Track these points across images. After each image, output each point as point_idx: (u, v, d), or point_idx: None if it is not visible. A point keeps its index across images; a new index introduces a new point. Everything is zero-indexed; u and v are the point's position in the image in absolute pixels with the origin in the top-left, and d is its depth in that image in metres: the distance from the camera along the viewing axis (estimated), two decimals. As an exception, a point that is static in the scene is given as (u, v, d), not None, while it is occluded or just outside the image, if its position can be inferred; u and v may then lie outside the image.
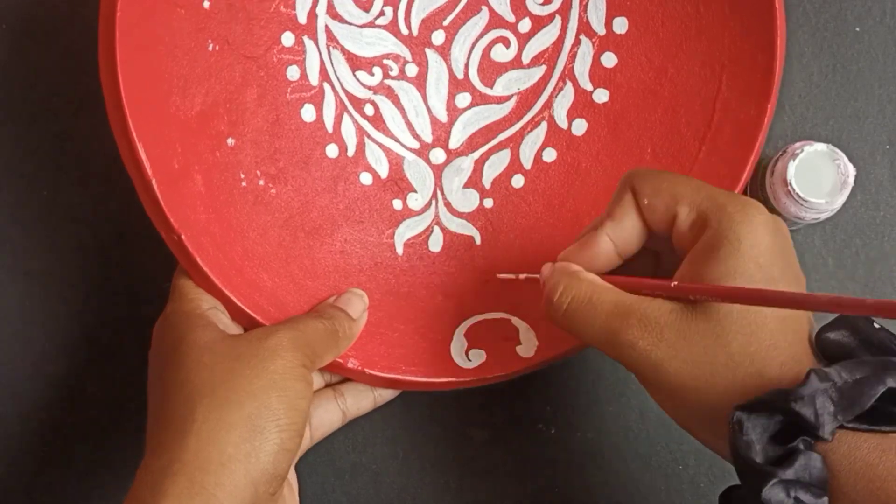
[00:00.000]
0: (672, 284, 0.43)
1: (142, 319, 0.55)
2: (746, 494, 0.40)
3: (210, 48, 0.51)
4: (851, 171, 0.52)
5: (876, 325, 0.41)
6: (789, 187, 0.52)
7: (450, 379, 0.52)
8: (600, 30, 0.55)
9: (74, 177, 0.58)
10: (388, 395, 0.53)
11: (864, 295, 0.56)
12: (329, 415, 0.51)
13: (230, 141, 0.51)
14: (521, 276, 0.52)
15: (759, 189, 0.54)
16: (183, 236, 0.48)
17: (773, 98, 0.51)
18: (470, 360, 0.52)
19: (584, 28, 0.55)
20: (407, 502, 0.56)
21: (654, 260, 0.47)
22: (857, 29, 0.57)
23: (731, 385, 0.41)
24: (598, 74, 0.55)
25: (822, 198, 0.52)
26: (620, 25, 0.55)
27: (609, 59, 0.55)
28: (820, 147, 0.52)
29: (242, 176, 0.51)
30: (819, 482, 0.39)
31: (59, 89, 0.58)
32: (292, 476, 0.50)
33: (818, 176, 0.52)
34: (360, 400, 0.52)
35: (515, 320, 0.53)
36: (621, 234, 0.45)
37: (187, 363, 0.45)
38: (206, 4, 0.51)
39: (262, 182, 0.52)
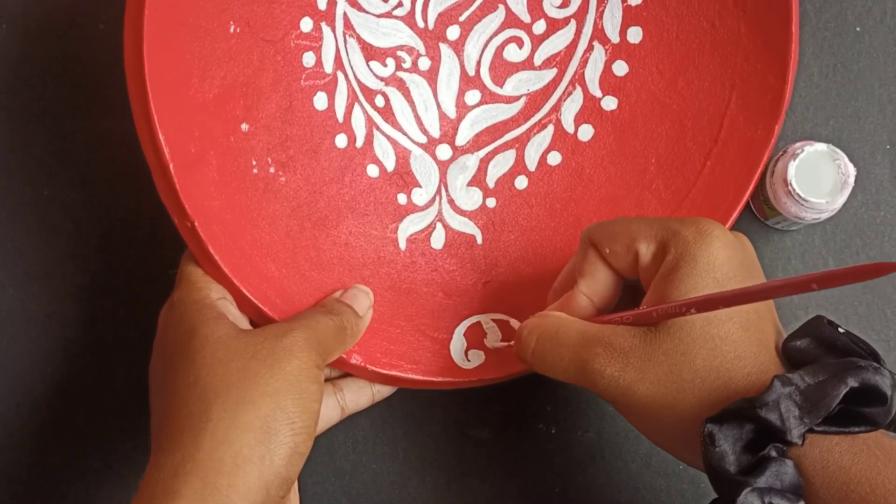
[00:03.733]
0: (632, 312, 0.44)
1: (142, 319, 0.55)
2: None
3: (231, 30, 0.50)
4: (852, 171, 0.52)
5: (840, 330, 0.42)
6: (790, 187, 0.52)
7: (449, 378, 0.52)
8: (614, 37, 0.55)
9: (74, 177, 0.58)
10: (386, 391, 0.53)
11: (864, 295, 0.56)
12: (328, 410, 0.51)
13: (244, 126, 0.51)
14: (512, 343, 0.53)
15: (759, 189, 0.54)
16: (196, 223, 0.48)
17: (780, 119, 0.51)
18: (469, 361, 0.52)
19: (599, 34, 0.55)
20: (407, 502, 0.56)
21: (632, 296, 0.48)
22: (858, 29, 0.57)
23: (700, 400, 0.42)
24: (609, 82, 0.55)
25: (823, 198, 0.52)
26: (635, 35, 0.55)
27: (620, 68, 0.55)
28: (820, 147, 0.52)
29: (254, 162, 0.51)
30: (792, 488, 0.39)
31: (59, 89, 0.58)
32: None
33: (818, 176, 0.52)
34: (359, 396, 0.52)
35: (515, 322, 0.53)
36: (596, 288, 0.47)
37: (199, 359, 0.44)
38: None
39: (272, 169, 0.52)
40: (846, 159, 0.52)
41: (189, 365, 0.44)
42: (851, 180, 0.52)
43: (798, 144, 0.52)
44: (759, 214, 0.56)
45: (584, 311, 0.47)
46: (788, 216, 0.53)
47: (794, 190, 0.51)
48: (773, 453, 0.39)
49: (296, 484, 0.49)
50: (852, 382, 0.39)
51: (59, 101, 0.58)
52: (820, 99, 0.57)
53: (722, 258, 0.43)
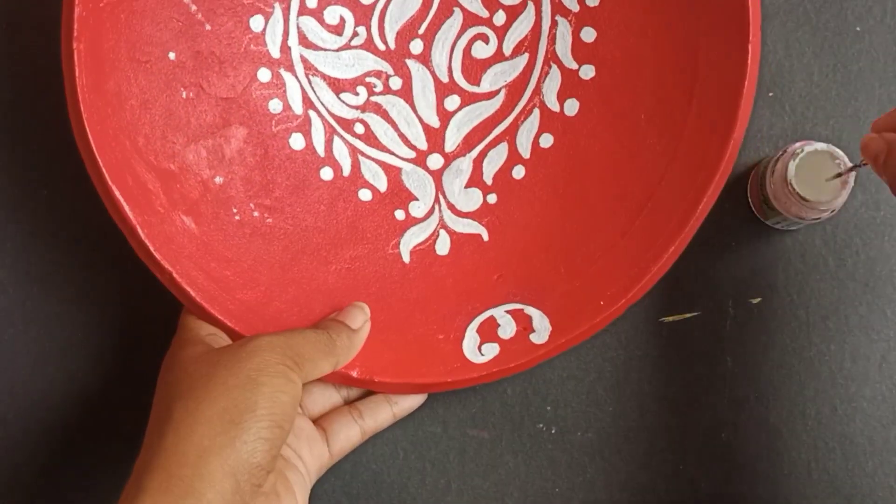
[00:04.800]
0: None
1: (142, 319, 0.55)
2: None
3: (184, 95, 0.51)
4: (852, 171, 0.52)
5: None
6: (790, 187, 0.52)
7: (462, 377, 0.52)
8: (573, 6, 0.55)
9: (74, 177, 0.58)
10: (407, 406, 0.54)
11: (864, 295, 0.56)
12: (347, 431, 0.52)
13: (218, 179, 0.51)
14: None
15: (759, 189, 0.54)
16: (174, 273, 0.48)
17: (754, 36, 0.50)
18: (483, 355, 0.52)
19: (558, 8, 0.55)
20: (407, 502, 0.56)
21: None
22: (858, 29, 0.57)
23: None
24: (581, 51, 0.55)
25: (823, 198, 0.52)
26: None
27: (588, 34, 0.55)
28: (820, 147, 0.52)
29: (235, 210, 0.52)
30: None
31: (59, 89, 0.58)
32: (296, 481, 0.50)
33: (819, 176, 0.52)
34: (378, 415, 0.53)
35: (528, 309, 0.53)
36: None
37: (172, 376, 0.47)
38: (172, 56, 0.51)
39: (256, 213, 0.52)
40: (846, 159, 0.52)
41: (165, 386, 0.47)
42: (851, 180, 0.52)
43: (798, 144, 0.52)
44: (759, 214, 0.56)
45: None
46: (788, 216, 0.53)
47: (794, 190, 0.51)
48: None
49: (291, 478, 0.49)
50: None
51: (59, 101, 0.58)
52: (820, 99, 0.57)
53: None
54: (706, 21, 0.52)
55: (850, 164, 0.52)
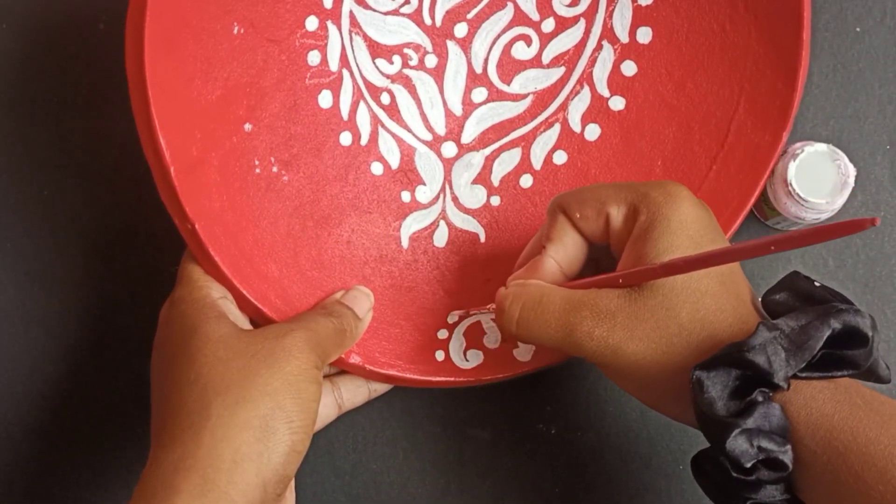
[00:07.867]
0: (619, 280, 0.44)
1: (142, 319, 0.55)
2: (713, 452, 0.41)
3: (235, 31, 0.50)
4: (852, 171, 0.52)
5: (816, 284, 0.43)
6: (790, 187, 0.52)
7: (447, 378, 0.52)
8: (623, 37, 0.55)
9: (74, 177, 0.58)
10: (382, 388, 0.54)
11: (865, 295, 0.56)
12: (325, 408, 0.52)
13: (247, 126, 0.51)
14: (472, 312, 0.53)
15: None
16: (197, 226, 0.48)
17: (788, 126, 0.51)
18: (468, 361, 0.52)
19: (608, 34, 0.55)
20: (407, 502, 0.56)
21: (595, 268, 0.49)
22: (858, 29, 0.57)
23: (688, 351, 0.42)
24: (617, 82, 0.55)
25: (823, 198, 0.52)
26: (644, 35, 0.55)
27: (629, 68, 0.55)
28: (820, 147, 0.52)
29: (257, 162, 0.51)
30: (780, 430, 0.40)
31: (59, 89, 0.58)
32: None
33: (819, 176, 0.52)
34: (356, 394, 0.53)
35: None
36: (565, 253, 0.47)
37: (200, 357, 0.45)
38: None
39: (275, 168, 0.52)
40: (846, 159, 0.52)
41: (190, 363, 0.45)
42: (851, 180, 0.52)
43: (798, 144, 0.52)
44: (759, 214, 0.56)
45: (553, 277, 0.47)
46: (788, 216, 0.53)
47: (794, 190, 0.52)
48: (760, 398, 0.40)
49: (292, 482, 0.50)
50: (835, 324, 0.40)
51: (59, 101, 0.58)
52: (820, 99, 0.57)
53: (692, 217, 0.44)
54: (746, 99, 0.52)
55: (849, 165, 0.52)
